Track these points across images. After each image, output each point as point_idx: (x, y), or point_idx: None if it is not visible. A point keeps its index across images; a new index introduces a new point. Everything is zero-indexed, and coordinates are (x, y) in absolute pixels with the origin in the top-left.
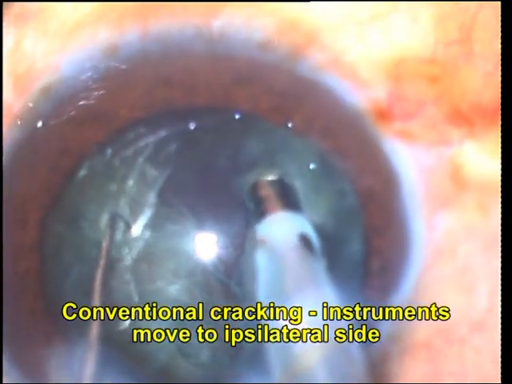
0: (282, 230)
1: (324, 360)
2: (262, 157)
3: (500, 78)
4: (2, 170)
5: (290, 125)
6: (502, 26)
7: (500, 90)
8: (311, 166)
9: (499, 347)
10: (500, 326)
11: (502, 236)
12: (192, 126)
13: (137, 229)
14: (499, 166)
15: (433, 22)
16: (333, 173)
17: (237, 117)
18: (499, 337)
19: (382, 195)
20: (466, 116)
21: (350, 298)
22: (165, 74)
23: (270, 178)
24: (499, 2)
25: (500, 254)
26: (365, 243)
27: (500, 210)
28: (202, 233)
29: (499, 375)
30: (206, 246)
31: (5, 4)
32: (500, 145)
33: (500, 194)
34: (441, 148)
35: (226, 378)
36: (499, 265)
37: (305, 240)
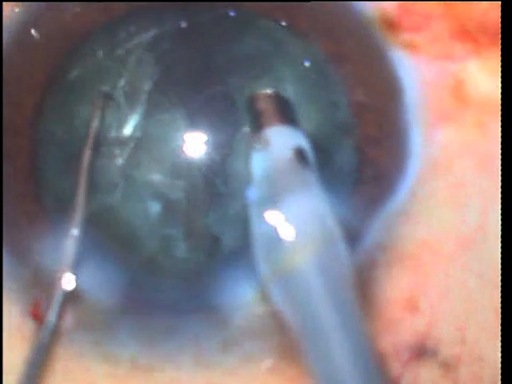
0: (277, 142)
1: (314, 259)
2: (257, 57)
3: None
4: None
5: (283, 23)
6: (502, 26)
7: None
8: (306, 64)
9: (485, 265)
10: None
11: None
12: (189, 22)
13: (128, 114)
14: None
15: None
16: (331, 79)
17: (234, 14)
18: (486, 255)
19: (382, 104)
20: (471, 33)
21: (342, 205)
22: None
23: (268, 91)
24: None
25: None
26: (360, 152)
27: (499, 130)
28: (191, 129)
29: (482, 292)
30: (194, 142)
31: None
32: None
33: (499, 113)
34: (445, 62)
35: (210, 277)
36: (493, 183)
37: (299, 153)
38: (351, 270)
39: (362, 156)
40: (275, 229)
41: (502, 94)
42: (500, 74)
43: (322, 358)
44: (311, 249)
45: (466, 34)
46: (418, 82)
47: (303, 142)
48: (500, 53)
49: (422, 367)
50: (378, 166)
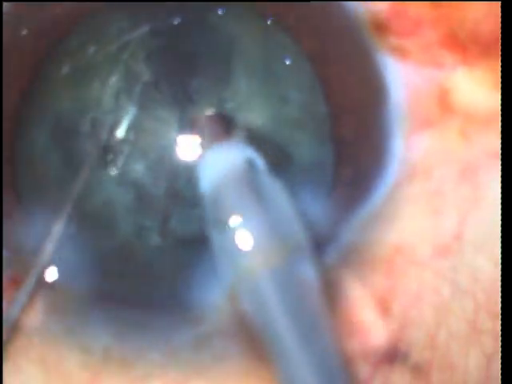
0: (224, 158)
1: (270, 269)
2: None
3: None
4: None
5: (268, 22)
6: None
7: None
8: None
9: (459, 274)
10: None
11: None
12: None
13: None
14: (487, 96)
15: None
16: (310, 78)
17: (222, 12)
18: (461, 265)
19: (364, 107)
20: (462, 43)
21: (318, 208)
22: None
23: (209, 112)
24: None
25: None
26: (338, 153)
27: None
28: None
29: (455, 301)
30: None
31: None
32: (500, 77)
33: (483, 124)
34: (432, 70)
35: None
36: (472, 193)
37: (248, 164)
38: (315, 277)
39: (339, 157)
40: (232, 240)
41: (501, 101)
42: (489, 84)
43: (283, 361)
44: (267, 259)
45: (456, 43)
46: (404, 88)
47: (250, 154)
48: (488, 63)
49: (392, 371)
50: (355, 168)
